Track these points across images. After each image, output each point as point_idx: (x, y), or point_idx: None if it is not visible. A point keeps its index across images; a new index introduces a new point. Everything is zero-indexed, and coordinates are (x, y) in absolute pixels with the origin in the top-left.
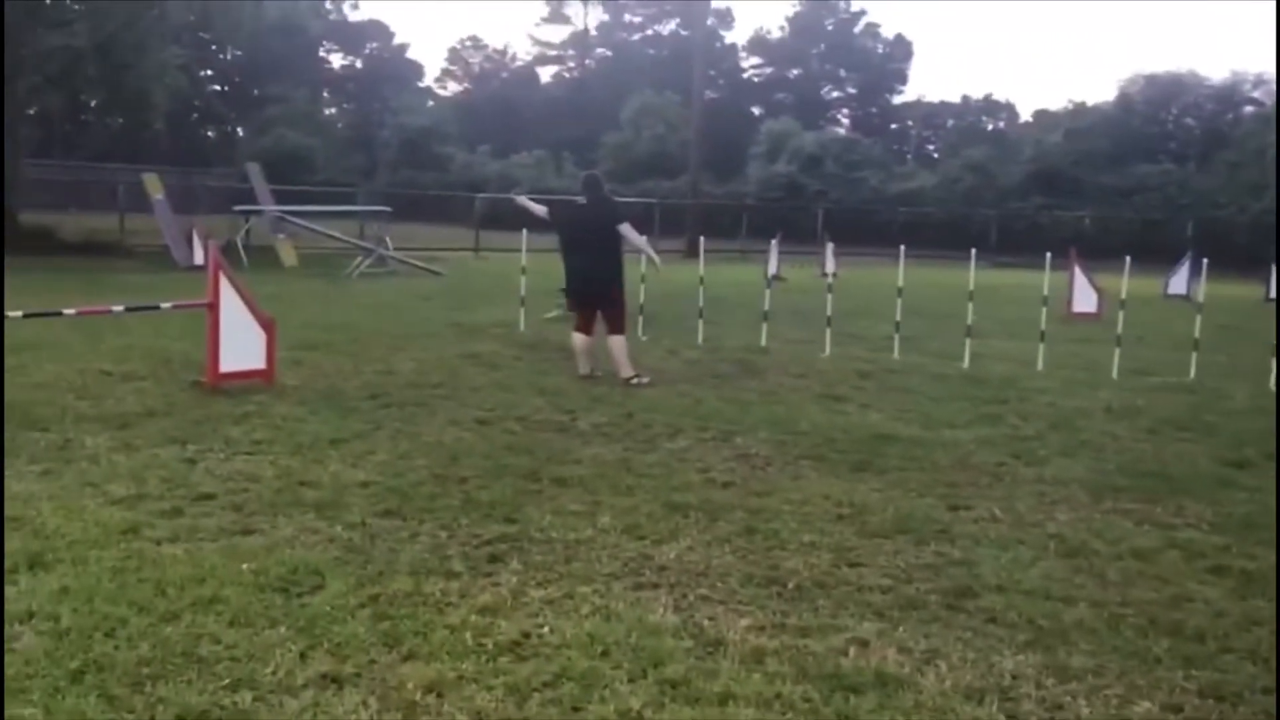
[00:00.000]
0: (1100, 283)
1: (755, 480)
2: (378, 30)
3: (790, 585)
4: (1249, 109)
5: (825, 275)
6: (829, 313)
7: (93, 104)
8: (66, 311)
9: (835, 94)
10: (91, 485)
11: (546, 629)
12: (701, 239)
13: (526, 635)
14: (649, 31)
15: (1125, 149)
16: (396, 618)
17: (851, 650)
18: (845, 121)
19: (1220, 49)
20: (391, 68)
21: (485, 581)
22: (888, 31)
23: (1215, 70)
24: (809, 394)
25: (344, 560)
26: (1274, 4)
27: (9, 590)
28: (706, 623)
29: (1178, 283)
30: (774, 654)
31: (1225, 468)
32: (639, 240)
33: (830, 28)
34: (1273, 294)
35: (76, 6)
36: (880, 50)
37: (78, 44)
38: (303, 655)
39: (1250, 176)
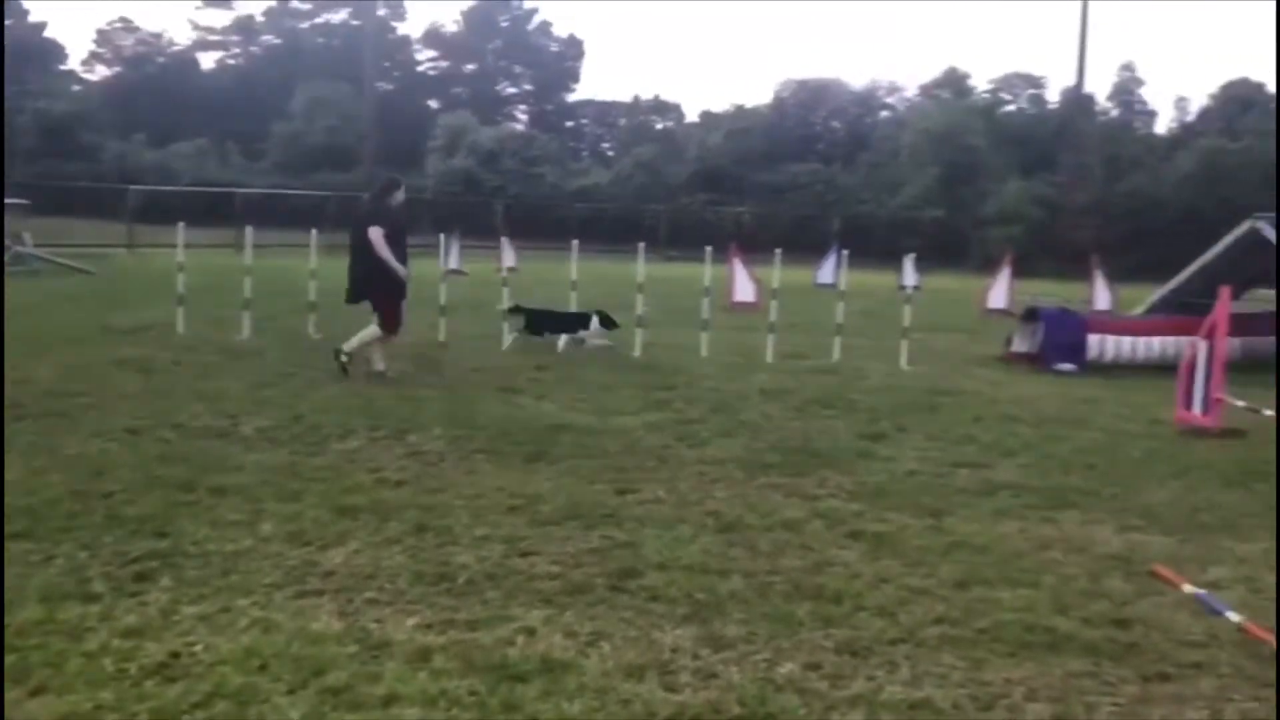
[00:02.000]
0: (758, 274)
1: (428, 477)
2: (8, 6)
3: (461, 580)
4: (884, 114)
5: (503, 270)
6: (507, 306)
7: None
8: None
9: (512, 90)
10: None
11: (199, 647)
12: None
13: (176, 655)
14: (319, 19)
15: (780, 149)
16: (24, 649)
17: (519, 639)
18: (522, 118)
19: (861, 57)
20: (27, 48)
21: (130, 602)
22: (560, 30)
23: (857, 77)
24: (486, 388)
25: None
26: (1275, 5)
27: None
28: (373, 626)
29: (825, 273)
30: (441, 650)
31: (863, 440)
32: (379, 250)
33: (505, 24)
34: (905, 281)
35: None
36: (554, 49)
37: None
38: None
39: (887, 175)
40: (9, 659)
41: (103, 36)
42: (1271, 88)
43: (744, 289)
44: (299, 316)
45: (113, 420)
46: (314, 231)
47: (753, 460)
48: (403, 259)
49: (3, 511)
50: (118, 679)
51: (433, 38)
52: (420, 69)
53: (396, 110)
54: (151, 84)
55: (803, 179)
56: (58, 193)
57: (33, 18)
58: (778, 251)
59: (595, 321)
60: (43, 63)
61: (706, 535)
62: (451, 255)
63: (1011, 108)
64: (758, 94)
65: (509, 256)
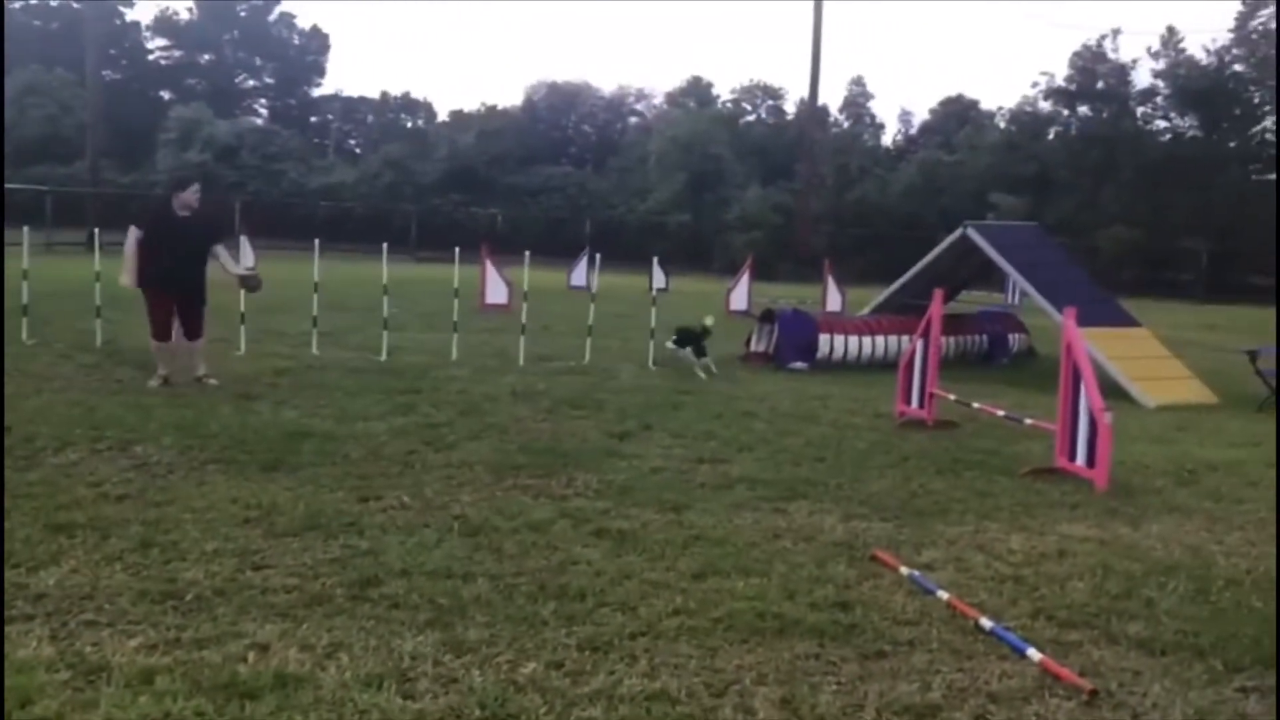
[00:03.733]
0: (510, 276)
1: (154, 490)
2: None
3: (189, 597)
4: (633, 119)
5: (241, 271)
6: (243, 309)
7: None
8: None
9: (251, 83)
10: None
11: None
12: (97, 231)
13: None
14: (33, 0)
15: (532, 151)
16: None
17: (251, 655)
18: (263, 112)
19: (610, 61)
20: None
21: None
22: (304, 23)
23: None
24: (221, 395)
25: None
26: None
27: None
28: (89, 649)
29: (578, 275)
30: (165, 671)
31: (610, 439)
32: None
33: (243, 14)
34: (654, 284)
35: None
36: (296, 41)
37: None
38: None
39: (636, 180)
40: None
41: None
42: (984, 104)
43: (495, 290)
44: (12, 320)
45: None
46: (25, 229)
47: (501, 462)
48: (170, 262)
49: (2, 522)
50: None
51: (164, 25)
52: (151, 58)
53: (124, 101)
54: None
55: (555, 182)
56: None
57: None
58: (528, 253)
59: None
60: None
61: (451, 540)
62: None
63: (752, 117)
64: (508, 95)
65: (247, 256)
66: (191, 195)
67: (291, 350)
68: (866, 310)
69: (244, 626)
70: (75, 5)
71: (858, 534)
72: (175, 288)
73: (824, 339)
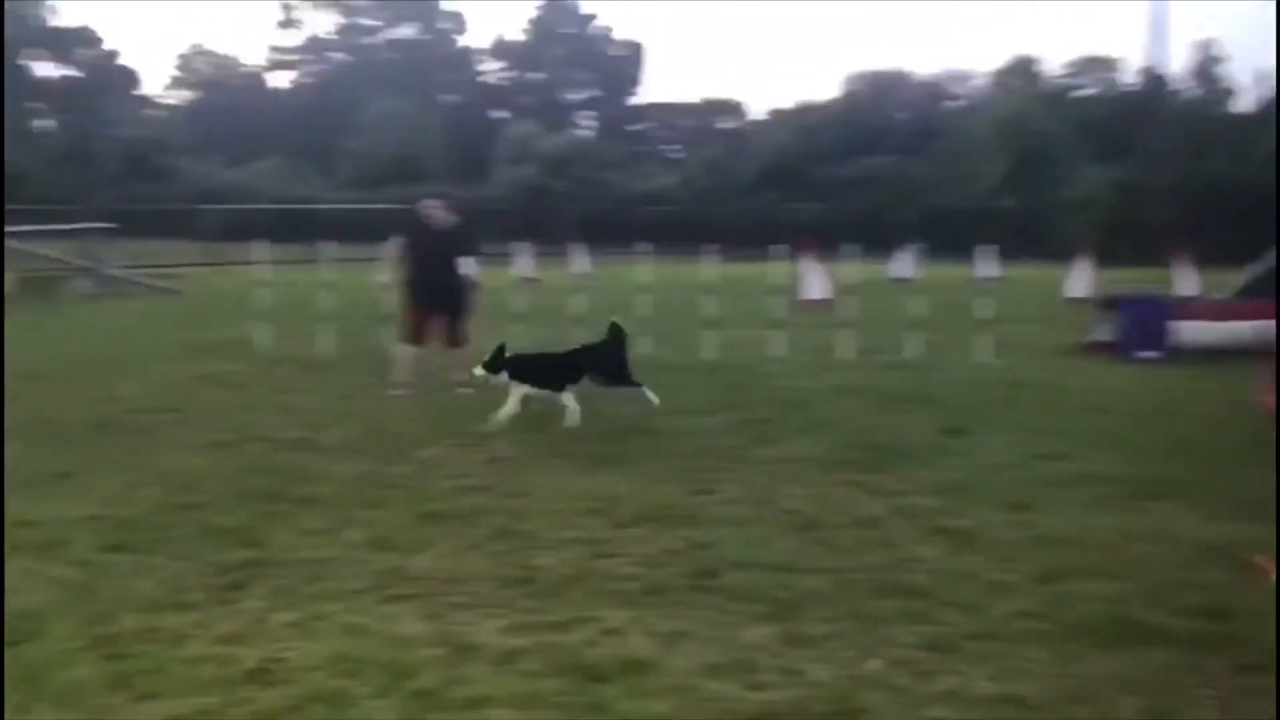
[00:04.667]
0: (830, 271)
1: (508, 482)
2: (84, 36)
3: (543, 582)
4: (954, 104)
5: (577, 275)
6: (580, 311)
7: None
8: None
9: (576, 97)
10: None
11: (292, 653)
12: None
13: (272, 661)
14: (387, 36)
15: (849, 143)
16: (129, 656)
17: (602, 640)
18: (588, 124)
19: (929, 47)
20: (103, 76)
21: (225, 610)
22: (620, 34)
23: (924, 68)
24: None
25: (68, 602)
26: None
27: None
28: (459, 629)
29: (901, 267)
30: (527, 652)
31: (941, 435)
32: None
33: (567, 32)
34: (981, 274)
35: None
36: (614, 54)
37: None
38: (22, 707)
39: (958, 166)
40: (113, 666)
41: (183, 61)
42: None
43: (815, 286)
44: (377, 329)
45: (200, 435)
46: (388, 245)
47: (829, 457)
48: (422, 281)
49: (3, 523)
50: (217, 684)
51: (499, 48)
52: (485, 79)
53: (463, 121)
54: (227, 106)
55: (873, 172)
56: (144, 215)
57: (106, 45)
58: (851, 247)
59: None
60: (118, 90)
61: (785, 534)
62: (521, 263)
63: (1084, 92)
64: (825, 90)
65: (580, 262)
66: (434, 208)
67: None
68: (1229, 293)
69: (594, 611)
70: (424, 38)
71: (1227, 537)
72: (425, 293)
73: (1178, 325)
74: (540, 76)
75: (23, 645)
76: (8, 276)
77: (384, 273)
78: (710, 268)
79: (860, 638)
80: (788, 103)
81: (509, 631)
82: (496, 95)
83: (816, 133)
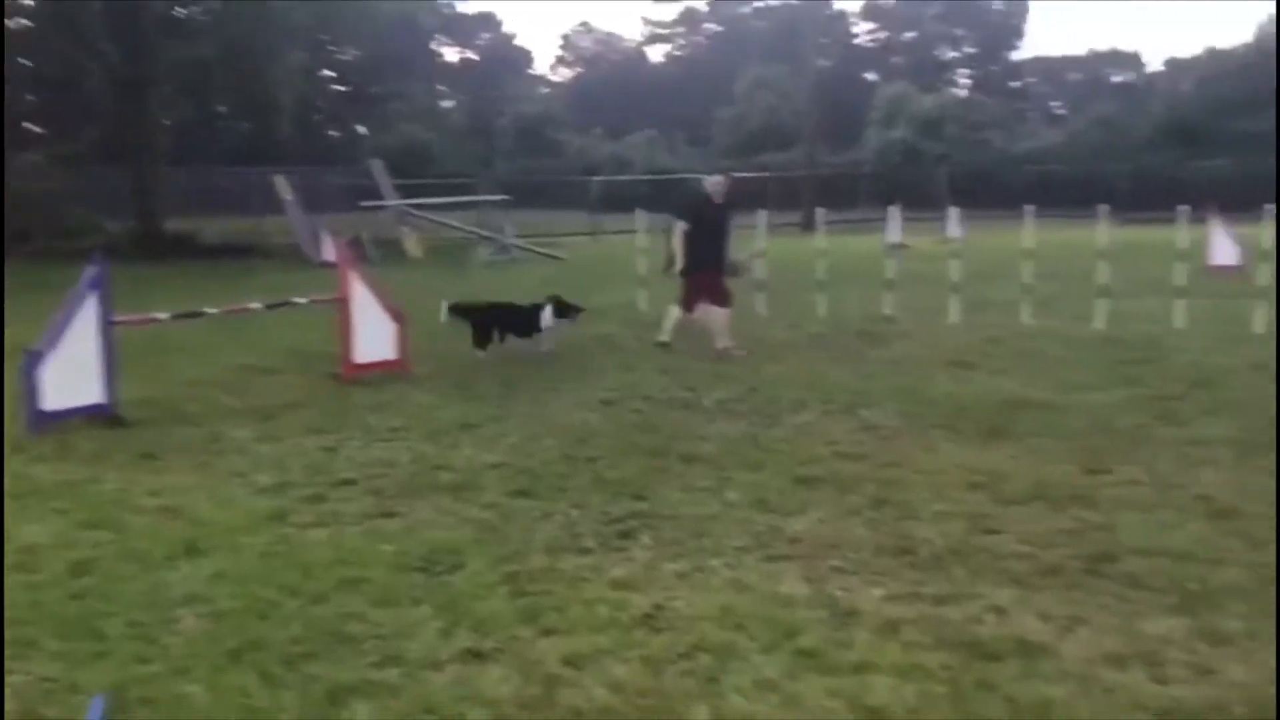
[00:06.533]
0: (1242, 234)
1: (883, 451)
2: (487, 21)
3: (924, 554)
4: None
5: (948, 240)
6: (955, 279)
7: (222, 110)
8: (209, 311)
9: (952, 54)
10: (239, 475)
11: (679, 602)
12: (819, 210)
13: (660, 608)
14: (759, 4)
15: (1263, 94)
16: (534, 594)
17: (989, 618)
18: (964, 82)
19: None
20: (502, 57)
21: (618, 557)
22: None
23: None
24: (936, 363)
25: (481, 540)
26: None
27: (170, 575)
28: (839, 593)
29: None
30: (909, 623)
31: None
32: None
33: None
34: None
35: (204, 18)
36: (996, 7)
37: (205, 54)
38: (445, 632)
39: None
40: (521, 602)
41: (566, 40)
42: None
43: (1225, 251)
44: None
45: (590, 392)
46: (762, 212)
47: (1245, 441)
48: (703, 250)
49: (2, 509)
50: (612, 626)
51: (870, 10)
52: (857, 41)
53: (834, 86)
54: (607, 81)
55: None
56: (531, 187)
57: (504, 29)
58: (1269, 208)
59: (549, 313)
60: (514, 69)
61: (1194, 521)
62: (891, 229)
63: None
64: (1234, 34)
65: (955, 227)
66: (716, 184)
67: (1002, 319)
68: None
69: (979, 588)
70: (795, 2)
71: None
72: (706, 264)
73: None
74: (913, 35)
75: (445, 576)
76: (415, 242)
77: (672, 243)
78: (1102, 231)
79: None
80: (1188, 51)
81: (890, 600)
82: (869, 57)
83: (1223, 82)
